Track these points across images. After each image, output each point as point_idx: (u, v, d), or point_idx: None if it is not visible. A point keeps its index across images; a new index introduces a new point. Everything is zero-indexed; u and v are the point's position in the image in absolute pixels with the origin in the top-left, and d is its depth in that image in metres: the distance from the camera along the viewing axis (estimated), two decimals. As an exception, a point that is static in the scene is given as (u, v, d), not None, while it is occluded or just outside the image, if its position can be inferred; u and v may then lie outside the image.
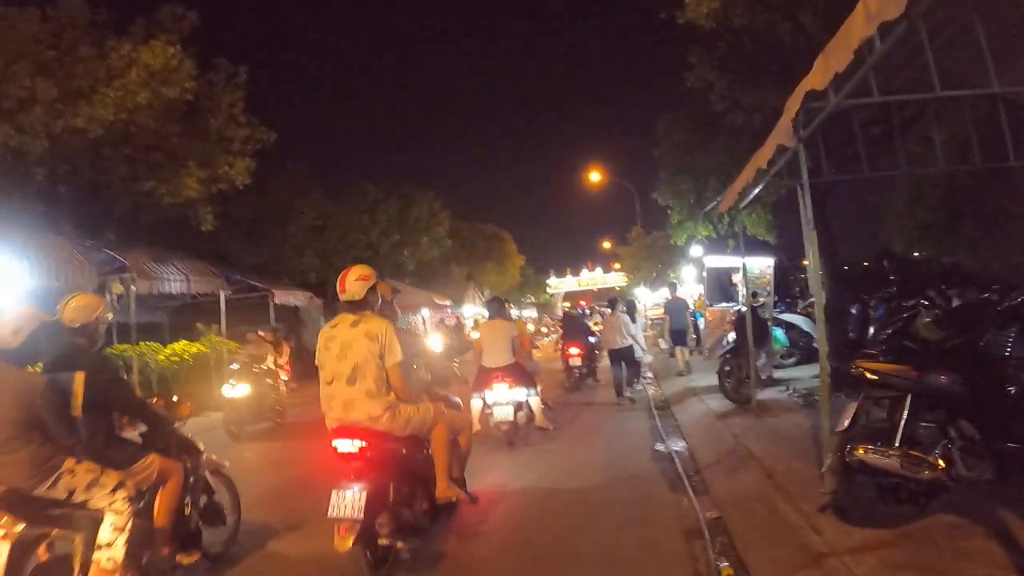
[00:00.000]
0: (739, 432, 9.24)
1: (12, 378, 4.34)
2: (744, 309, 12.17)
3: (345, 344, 5.21)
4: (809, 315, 16.27)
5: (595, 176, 42.34)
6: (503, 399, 10.38)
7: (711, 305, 15.08)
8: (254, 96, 18.44)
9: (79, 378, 4.67)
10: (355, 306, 5.36)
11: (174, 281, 18.14)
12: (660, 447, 10.04)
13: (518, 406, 10.56)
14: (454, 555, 5.91)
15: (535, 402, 11.00)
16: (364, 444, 5.04)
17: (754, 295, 13.87)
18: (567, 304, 65.92)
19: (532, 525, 6.72)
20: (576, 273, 72.58)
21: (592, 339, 18.56)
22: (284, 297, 21.81)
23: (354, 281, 5.38)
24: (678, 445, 10.07)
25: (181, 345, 19.15)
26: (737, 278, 14.72)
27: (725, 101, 15.56)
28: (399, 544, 5.22)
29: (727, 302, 14.93)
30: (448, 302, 43.36)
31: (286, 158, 30.18)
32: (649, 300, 40.93)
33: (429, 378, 9.83)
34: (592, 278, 70.91)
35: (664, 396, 15.07)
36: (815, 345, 15.85)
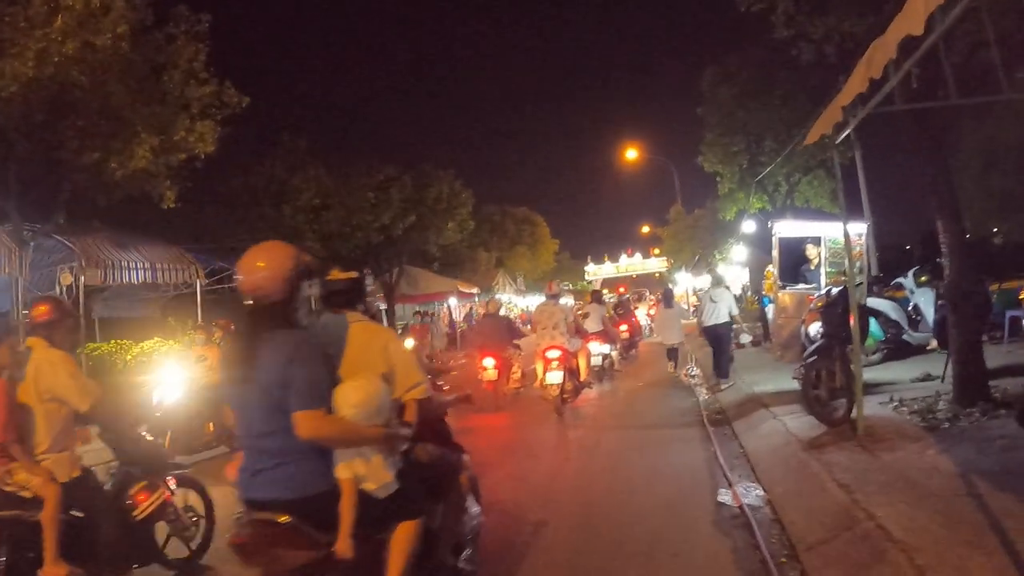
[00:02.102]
0: (848, 480, 6.05)
1: None
2: (835, 290, 9.02)
3: None
4: (893, 298, 13.04)
5: (632, 153, 39.46)
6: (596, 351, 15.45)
7: (784, 287, 11.74)
8: (253, 64, 15.51)
9: None
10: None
11: (136, 269, 16.16)
12: (724, 496, 6.93)
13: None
14: None
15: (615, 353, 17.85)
16: None
17: (842, 273, 10.69)
18: (607, 291, 63.15)
19: None
20: (615, 259, 69.67)
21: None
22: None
23: None
24: (752, 494, 6.92)
25: (153, 343, 16.75)
26: (814, 251, 11.46)
27: (790, 28, 12.25)
28: None
29: (801, 283, 11.64)
30: (475, 290, 40.61)
31: (282, 130, 27.59)
32: (690, 286, 37.86)
33: None
34: (631, 264, 67.89)
35: (720, 404, 11.91)
36: (905, 337, 12.78)
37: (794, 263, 11.82)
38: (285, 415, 3.21)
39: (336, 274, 4.20)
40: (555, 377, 12.01)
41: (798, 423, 8.71)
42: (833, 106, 6.83)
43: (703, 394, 13.49)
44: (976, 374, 8.36)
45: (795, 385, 9.65)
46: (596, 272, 69.90)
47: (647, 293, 44.39)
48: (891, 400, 8.91)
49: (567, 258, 65.26)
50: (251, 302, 3.46)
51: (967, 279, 8.48)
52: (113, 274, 15.47)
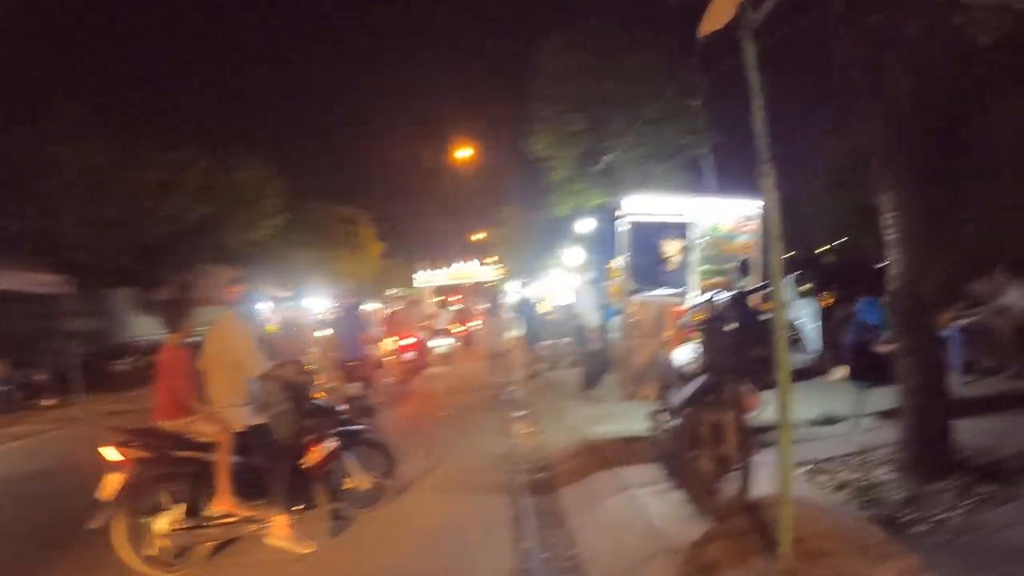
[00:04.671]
0: None
1: None
2: (722, 298, 5.76)
3: None
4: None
5: (466, 152, 36.14)
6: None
7: (637, 293, 8.15)
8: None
9: None
10: None
11: None
12: None
13: None
14: None
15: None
16: None
17: (722, 273, 7.58)
18: (440, 298, 60.03)
19: None
20: (448, 265, 66.70)
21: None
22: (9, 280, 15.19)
23: None
24: None
25: None
26: (675, 247, 8.24)
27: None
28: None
29: (659, 288, 8.22)
30: (287, 293, 36.26)
31: (56, 91, 22.31)
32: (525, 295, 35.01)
33: None
34: (464, 271, 65.04)
35: (545, 449, 8.51)
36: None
37: (651, 263, 8.52)
38: None
39: None
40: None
41: (663, 505, 5.37)
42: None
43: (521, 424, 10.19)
44: (938, 428, 5.32)
45: (647, 427, 6.66)
46: (428, 279, 66.81)
47: (480, 301, 41.58)
48: (800, 463, 5.73)
49: (396, 263, 61.42)
50: None
51: (924, 284, 5.42)
52: None
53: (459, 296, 59.00)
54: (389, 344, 16.67)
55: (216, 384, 5.60)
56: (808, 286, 10.38)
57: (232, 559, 5.68)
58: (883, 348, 7.82)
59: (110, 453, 5.24)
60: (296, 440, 5.89)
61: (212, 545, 5.61)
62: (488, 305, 18.03)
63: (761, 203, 7.58)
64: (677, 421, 5.56)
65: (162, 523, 5.31)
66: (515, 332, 17.75)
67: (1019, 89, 11.39)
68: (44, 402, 17.56)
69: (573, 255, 22.69)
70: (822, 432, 7.10)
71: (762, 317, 5.59)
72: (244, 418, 5.57)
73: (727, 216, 7.71)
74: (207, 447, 5.47)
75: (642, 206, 8.04)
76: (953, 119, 12.15)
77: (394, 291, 63.17)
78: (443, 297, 57.16)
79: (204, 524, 5.45)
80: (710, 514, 4.93)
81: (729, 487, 5.08)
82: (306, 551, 5.53)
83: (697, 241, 7.67)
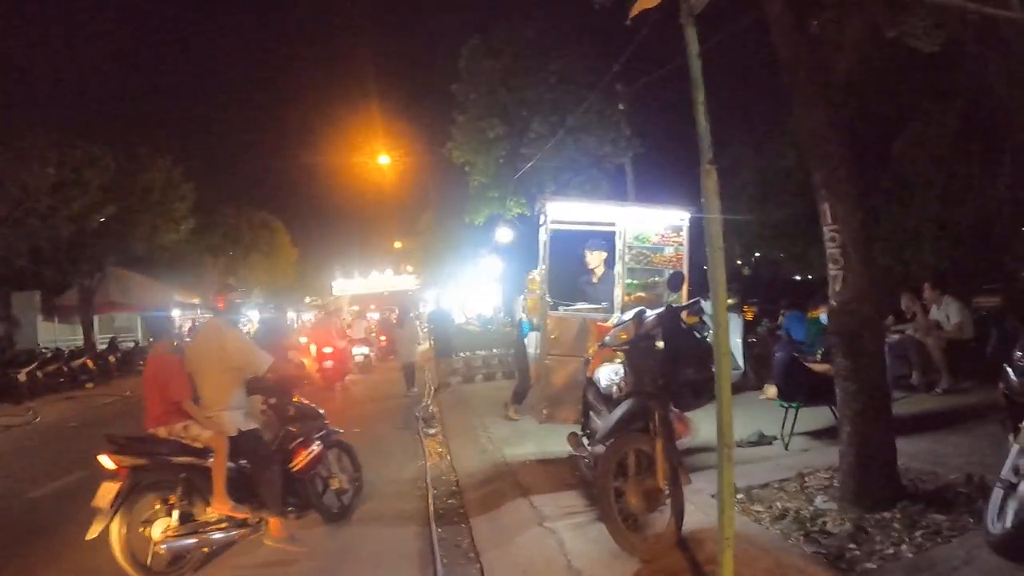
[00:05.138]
0: None
1: None
2: (651, 313, 5.23)
3: None
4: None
5: (385, 159, 35.13)
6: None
7: (556, 307, 7.36)
8: None
9: None
10: None
11: None
12: None
13: None
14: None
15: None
16: None
17: (646, 287, 7.09)
18: (356, 307, 58.87)
19: None
20: (365, 275, 65.60)
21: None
22: None
23: None
24: None
25: None
26: (597, 258, 7.66)
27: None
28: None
29: (581, 302, 7.57)
30: (197, 300, 34.83)
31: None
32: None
33: None
34: (381, 280, 64.06)
35: (457, 475, 7.92)
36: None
37: (572, 275, 7.93)
38: None
39: None
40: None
41: (583, 541, 4.83)
42: None
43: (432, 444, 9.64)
44: (882, 456, 4.92)
45: (567, 449, 6.24)
46: (345, 288, 65.64)
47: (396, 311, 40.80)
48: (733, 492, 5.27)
49: (312, 270, 60.09)
50: None
51: (871, 299, 5.03)
52: None
53: (375, 306, 58.16)
54: (310, 353, 15.96)
55: (207, 389, 5.68)
56: (732, 300, 10.05)
57: (226, 563, 5.68)
58: (818, 368, 7.49)
59: (105, 461, 5.20)
60: (283, 444, 6.06)
61: (207, 551, 5.60)
62: (400, 315, 17.73)
63: (687, 215, 7.06)
64: (600, 448, 5.06)
65: (158, 530, 5.28)
66: (426, 343, 17.22)
67: (945, 106, 11.37)
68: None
69: (491, 264, 22.20)
70: (752, 454, 6.72)
71: (695, 335, 5.09)
72: (236, 422, 5.64)
73: (654, 226, 7.15)
74: (202, 452, 5.49)
75: (564, 212, 7.38)
76: (886, 133, 12.08)
77: (311, 300, 62.00)
78: (359, 307, 56.48)
79: (200, 530, 5.46)
80: (637, 553, 4.42)
81: (658, 521, 4.59)
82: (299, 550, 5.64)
83: (622, 252, 7.10)
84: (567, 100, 15.45)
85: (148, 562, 5.18)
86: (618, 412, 4.86)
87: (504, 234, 19.27)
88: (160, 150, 27.78)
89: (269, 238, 46.50)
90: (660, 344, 4.87)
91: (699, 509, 4.79)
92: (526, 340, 9.30)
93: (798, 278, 22.71)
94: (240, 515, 5.51)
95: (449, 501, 6.93)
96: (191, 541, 5.39)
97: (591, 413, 5.84)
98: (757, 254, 24.92)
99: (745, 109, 18.15)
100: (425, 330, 19.36)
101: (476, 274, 27.58)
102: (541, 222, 7.45)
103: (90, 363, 22.27)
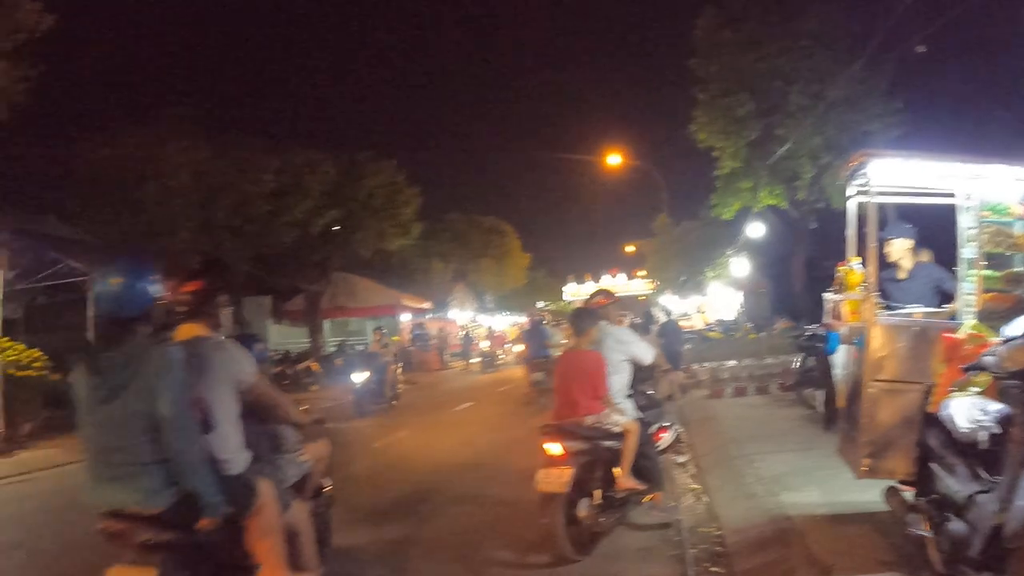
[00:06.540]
0: None
1: None
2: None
3: None
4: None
5: (615, 159, 33.55)
6: None
7: (887, 310, 5.30)
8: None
9: None
10: None
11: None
12: None
13: None
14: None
15: None
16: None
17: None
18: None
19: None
20: (597, 279, 64.57)
21: None
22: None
23: None
24: None
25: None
26: (904, 247, 5.59)
27: None
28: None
29: (910, 304, 5.50)
30: (426, 304, 34.96)
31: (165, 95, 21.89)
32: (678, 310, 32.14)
33: None
34: (613, 285, 62.59)
35: (718, 522, 6.11)
36: None
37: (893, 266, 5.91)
38: None
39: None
40: None
41: None
42: None
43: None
44: None
45: (866, 499, 4.97)
46: (576, 293, 64.90)
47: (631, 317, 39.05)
48: None
49: (543, 275, 59.71)
50: None
51: None
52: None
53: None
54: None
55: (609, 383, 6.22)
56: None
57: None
58: None
59: (553, 448, 5.65)
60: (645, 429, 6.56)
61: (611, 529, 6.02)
62: (638, 321, 15.77)
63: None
64: (958, 525, 3.14)
65: (583, 507, 5.67)
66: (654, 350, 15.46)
67: None
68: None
69: (737, 265, 19.99)
70: None
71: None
72: (631, 412, 6.35)
73: (1015, 192, 4.82)
74: (620, 436, 6.06)
75: (891, 174, 5.20)
76: None
77: (545, 305, 61.74)
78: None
79: (613, 505, 6.02)
80: None
81: None
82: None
83: (971, 230, 4.86)
84: (827, 67, 13.07)
85: (583, 540, 5.58)
86: (1009, 473, 2.91)
87: (755, 229, 16.97)
88: (383, 156, 27.90)
89: (499, 243, 46.42)
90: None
91: None
92: (832, 357, 7.45)
93: None
94: (639, 488, 6.06)
95: (712, 569, 5.16)
96: (609, 518, 5.94)
97: (933, 465, 3.89)
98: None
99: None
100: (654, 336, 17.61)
101: (718, 276, 25.44)
102: (851, 193, 5.41)
103: (314, 366, 22.48)
